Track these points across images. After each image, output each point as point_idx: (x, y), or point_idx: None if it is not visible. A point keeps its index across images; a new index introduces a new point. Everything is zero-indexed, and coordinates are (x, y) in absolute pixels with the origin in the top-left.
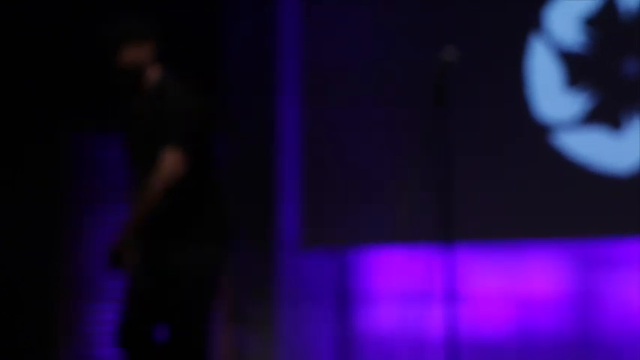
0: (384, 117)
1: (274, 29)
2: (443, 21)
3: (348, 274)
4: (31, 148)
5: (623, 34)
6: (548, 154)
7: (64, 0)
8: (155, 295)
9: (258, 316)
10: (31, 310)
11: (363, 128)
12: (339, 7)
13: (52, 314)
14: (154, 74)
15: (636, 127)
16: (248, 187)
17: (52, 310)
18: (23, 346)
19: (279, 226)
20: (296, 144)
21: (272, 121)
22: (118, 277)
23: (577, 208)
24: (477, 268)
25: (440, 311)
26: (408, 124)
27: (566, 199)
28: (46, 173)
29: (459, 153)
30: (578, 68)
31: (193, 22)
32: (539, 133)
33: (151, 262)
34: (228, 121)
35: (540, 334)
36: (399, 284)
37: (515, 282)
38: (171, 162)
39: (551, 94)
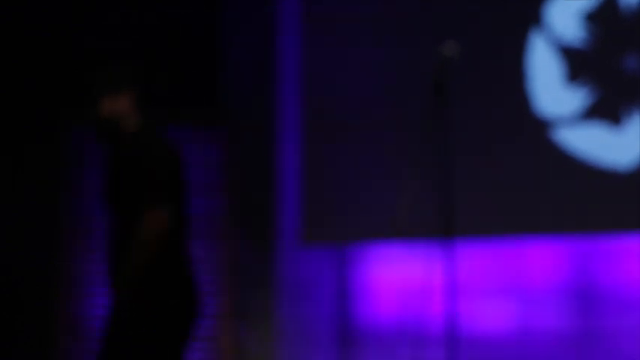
0: (383, 113)
1: (274, 28)
2: (443, 16)
3: (348, 269)
4: (31, 147)
5: (623, 30)
6: (548, 150)
7: None
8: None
9: (258, 311)
10: (31, 309)
11: (363, 124)
12: (339, 3)
13: (52, 314)
14: (132, 124)
15: (636, 122)
16: (249, 184)
17: (52, 310)
18: (23, 345)
19: (280, 222)
20: (296, 141)
21: (272, 119)
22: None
23: (577, 203)
24: (477, 263)
25: (440, 306)
26: (408, 119)
27: (566, 195)
28: (46, 172)
29: (458, 148)
30: (578, 63)
31: (193, 22)
32: (539, 128)
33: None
34: (228, 119)
35: (540, 329)
36: (399, 280)
37: (515, 277)
38: (154, 223)
39: (551, 89)
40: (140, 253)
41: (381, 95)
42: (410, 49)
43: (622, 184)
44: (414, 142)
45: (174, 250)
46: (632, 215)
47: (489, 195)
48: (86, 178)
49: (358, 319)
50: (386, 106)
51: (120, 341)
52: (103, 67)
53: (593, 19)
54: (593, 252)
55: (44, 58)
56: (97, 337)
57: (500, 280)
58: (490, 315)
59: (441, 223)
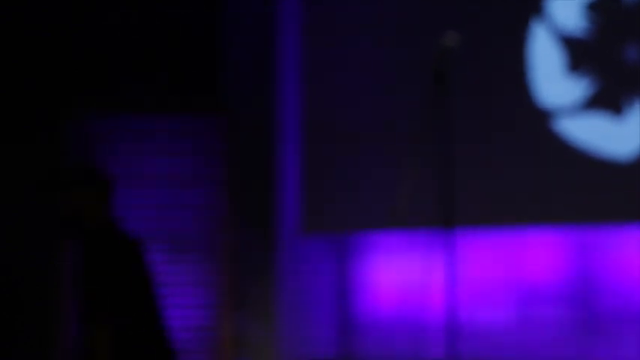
0: (384, 103)
1: (274, 26)
2: (444, 6)
3: (348, 259)
4: (31, 139)
5: (624, 20)
6: (549, 140)
7: None
8: None
9: (258, 301)
10: (31, 309)
11: (364, 114)
12: None
13: (52, 313)
14: (95, 221)
15: (637, 112)
16: (249, 174)
17: (52, 310)
18: (23, 345)
19: (280, 213)
20: (296, 131)
21: (272, 109)
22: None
23: (578, 193)
24: (477, 253)
25: (440, 296)
26: (409, 109)
27: (566, 185)
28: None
29: (459, 138)
30: (579, 54)
31: (193, 22)
32: (540, 118)
33: None
34: (228, 110)
35: (540, 320)
36: (399, 270)
37: (515, 268)
38: (99, 344)
39: (552, 79)
40: None
41: (381, 85)
42: (411, 39)
43: (623, 175)
44: (414, 131)
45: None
46: (632, 205)
47: (490, 185)
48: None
49: (358, 308)
50: (386, 96)
51: None
52: (71, 167)
53: (595, 9)
54: (594, 242)
55: (44, 58)
56: None
57: (501, 271)
58: (490, 305)
59: (442, 213)
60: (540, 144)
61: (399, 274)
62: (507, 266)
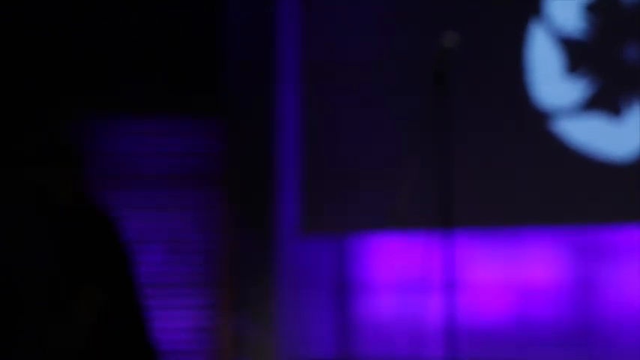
0: (384, 103)
1: (274, 26)
2: (444, 5)
3: (347, 260)
4: (28, 135)
5: (623, 21)
6: (548, 141)
7: None
8: None
9: (257, 302)
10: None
11: (363, 115)
12: None
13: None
14: (67, 197)
15: (636, 113)
16: (248, 175)
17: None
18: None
19: (279, 213)
20: (296, 131)
21: (272, 109)
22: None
23: (576, 194)
24: (476, 255)
25: (439, 298)
26: (409, 110)
27: (565, 186)
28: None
29: (458, 139)
30: (578, 55)
31: (193, 22)
32: (539, 119)
33: None
34: (228, 112)
35: (539, 322)
36: (398, 271)
37: (514, 269)
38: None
39: (551, 80)
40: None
41: (381, 85)
42: (410, 39)
43: (622, 176)
44: (414, 132)
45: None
46: (631, 206)
47: (489, 186)
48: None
49: (357, 309)
50: (386, 96)
51: None
52: (33, 135)
53: (593, 9)
54: (593, 243)
55: (44, 58)
56: None
57: (500, 272)
58: (489, 307)
59: (441, 214)
60: (539, 145)
61: (398, 274)
62: (506, 267)
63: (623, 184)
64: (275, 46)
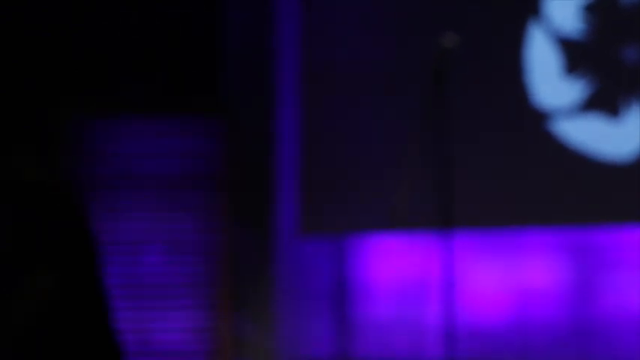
0: (383, 103)
1: (274, 26)
2: (443, 5)
3: (347, 260)
4: (28, 135)
5: (622, 21)
6: (547, 141)
7: None
8: None
9: (257, 302)
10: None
11: (363, 115)
12: None
13: None
14: (35, 180)
15: (635, 114)
16: (248, 175)
17: None
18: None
19: (279, 213)
20: (296, 131)
21: (272, 110)
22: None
23: (576, 194)
24: (476, 255)
25: (438, 298)
26: (408, 110)
27: (564, 186)
28: (47, 165)
29: (457, 139)
30: (577, 55)
31: (193, 22)
32: (537, 119)
33: None
34: (228, 112)
35: (539, 322)
36: (397, 271)
37: (514, 269)
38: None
39: (550, 80)
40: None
41: (380, 85)
42: (410, 39)
43: (621, 176)
44: (413, 132)
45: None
46: (631, 207)
47: (489, 186)
48: (85, 170)
49: (356, 309)
50: (386, 96)
51: None
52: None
53: (592, 10)
54: (593, 243)
55: (43, 58)
56: None
57: (499, 272)
58: (489, 306)
59: (441, 214)
60: (539, 145)
61: (397, 274)
62: (506, 267)
63: (623, 184)
64: (275, 46)
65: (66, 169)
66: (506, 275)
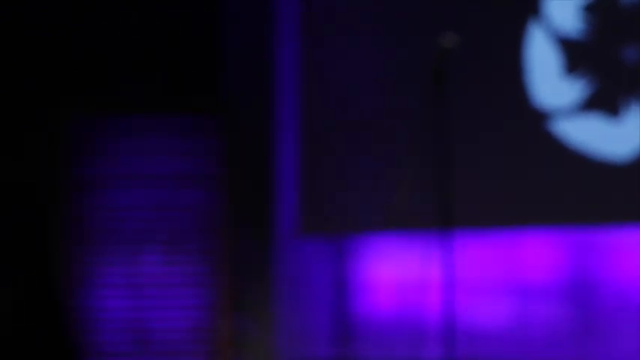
0: (383, 103)
1: (273, 26)
2: (443, 5)
3: (346, 260)
4: (28, 134)
5: (621, 21)
6: (547, 141)
7: None
8: None
9: (257, 302)
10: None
11: (362, 115)
12: None
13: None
14: None
15: (634, 113)
16: (247, 175)
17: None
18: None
19: (279, 213)
20: (295, 131)
21: (272, 110)
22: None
23: (575, 194)
24: (476, 255)
25: (438, 298)
26: (407, 110)
27: (564, 186)
28: (44, 159)
29: (457, 139)
30: (576, 55)
31: (193, 22)
32: (537, 119)
33: None
34: (227, 110)
35: (538, 322)
36: (397, 271)
37: (514, 269)
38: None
39: (549, 80)
40: None
41: (380, 85)
42: (410, 39)
43: (620, 176)
44: (413, 132)
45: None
46: (630, 206)
47: (488, 186)
48: (84, 168)
49: (356, 309)
50: (385, 96)
51: None
52: None
53: (592, 10)
54: (592, 243)
55: (44, 58)
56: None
57: (499, 271)
58: (488, 307)
59: (440, 214)
60: (538, 145)
61: (397, 274)
62: (506, 267)
63: (622, 184)
64: (275, 46)
65: (66, 169)
66: (506, 275)
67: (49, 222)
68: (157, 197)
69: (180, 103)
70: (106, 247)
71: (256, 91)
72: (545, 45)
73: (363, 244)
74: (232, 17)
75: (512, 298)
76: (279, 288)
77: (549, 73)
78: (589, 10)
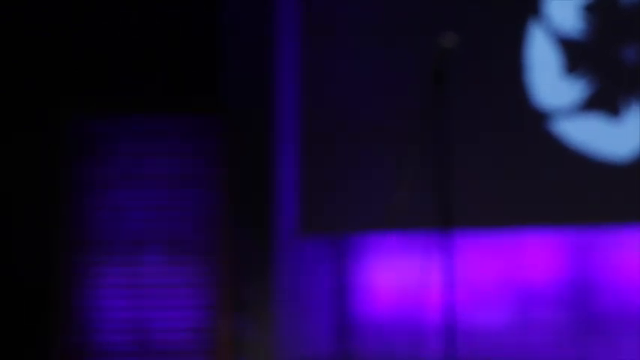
0: (383, 103)
1: (273, 26)
2: (443, 5)
3: (346, 260)
4: (28, 134)
5: (622, 21)
6: (547, 141)
7: None
8: None
9: (257, 302)
10: (30, 298)
11: (362, 114)
12: None
13: (50, 302)
14: None
15: (635, 113)
16: (247, 175)
17: (51, 298)
18: (22, 334)
19: (279, 213)
20: (295, 131)
21: (272, 110)
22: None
23: (576, 194)
24: (476, 255)
25: (438, 297)
26: (408, 110)
27: (565, 186)
28: (44, 160)
29: (457, 139)
30: (577, 55)
31: (193, 22)
32: (537, 119)
33: None
34: (228, 112)
35: (539, 321)
36: (397, 270)
37: (513, 269)
38: None
39: (550, 80)
40: None
41: (380, 85)
42: (410, 39)
43: (621, 176)
44: (413, 132)
45: None
46: (630, 206)
47: (488, 186)
48: (84, 168)
49: (356, 309)
50: (385, 96)
51: None
52: None
53: (592, 10)
54: (592, 243)
55: (44, 58)
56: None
57: (499, 272)
58: (488, 306)
59: (440, 214)
60: (538, 145)
61: (397, 274)
62: (506, 267)
63: (623, 184)
64: (275, 47)
65: (66, 169)
66: (506, 275)
67: (49, 222)
68: (157, 197)
69: (180, 103)
70: (106, 247)
71: (256, 91)
72: (545, 45)
73: (363, 244)
74: (232, 17)
75: (512, 298)
76: (279, 288)
77: (549, 73)
78: (589, 10)
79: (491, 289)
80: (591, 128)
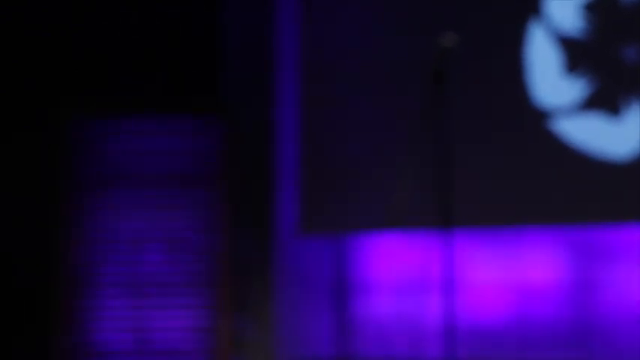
0: (383, 103)
1: (273, 27)
2: (443, 5)
3: (346, 260)
4: (28, 134)
5: (622, 20)
6: (547, 140)
7: None
8: None
9: (257, 302)
10: (30, 297)
11: (363, 114)
12: None
13: (50, 301)
14: None
15: (635, 112)
16: (248, 175)
17: (51, 298)
18: (22, 333)
19: (279, 213)
20: (295, 131)
21: (272, 110)
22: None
23: (576, 194)
24: (476, 255)
25: (438, 298)
26: (407, 109)
27: (565, 185)
28: (44, 160)
29: (457, 139)
30: (577, 54)
31: (193, 22)
32: (537, 118)
33: None
34: (228, 112)
35: (539, 322)
36: (397, 270)
37: (514, 269)
38: None
39: (550, 79)
40: None
41: (380, 84)
42: (410, 39)
43: (621, 175)
44: (413, 131)
45: None
46: (630, 206)
47: (488, 186)
48: (84, 168)
49: (356, 308)
50: (385, 96)
51: None
52: None
53: (592, 9)
54: (593, 242)
55: (43, 58)
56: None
57: (500, 272)
58: (489, 305)
59: (440, 213)
60: (538, 144)
61: (397, 274)
62: (506, 266)
63: (623, 183)
64: (275, 47)
65: (65, 169)
66: (506, 274)
67: (49, 222)
68: (157, 197)
69: (180, 103)
70: (106, 247)
71: (256, 91)
72: (545, 44)
73: (363, 243)
74: (232, 17)
75: (512, 297)
76: (279, 288)
77: (550, 72)
78: (589, 9)
79: (491, 289)
80: (591, 127)
